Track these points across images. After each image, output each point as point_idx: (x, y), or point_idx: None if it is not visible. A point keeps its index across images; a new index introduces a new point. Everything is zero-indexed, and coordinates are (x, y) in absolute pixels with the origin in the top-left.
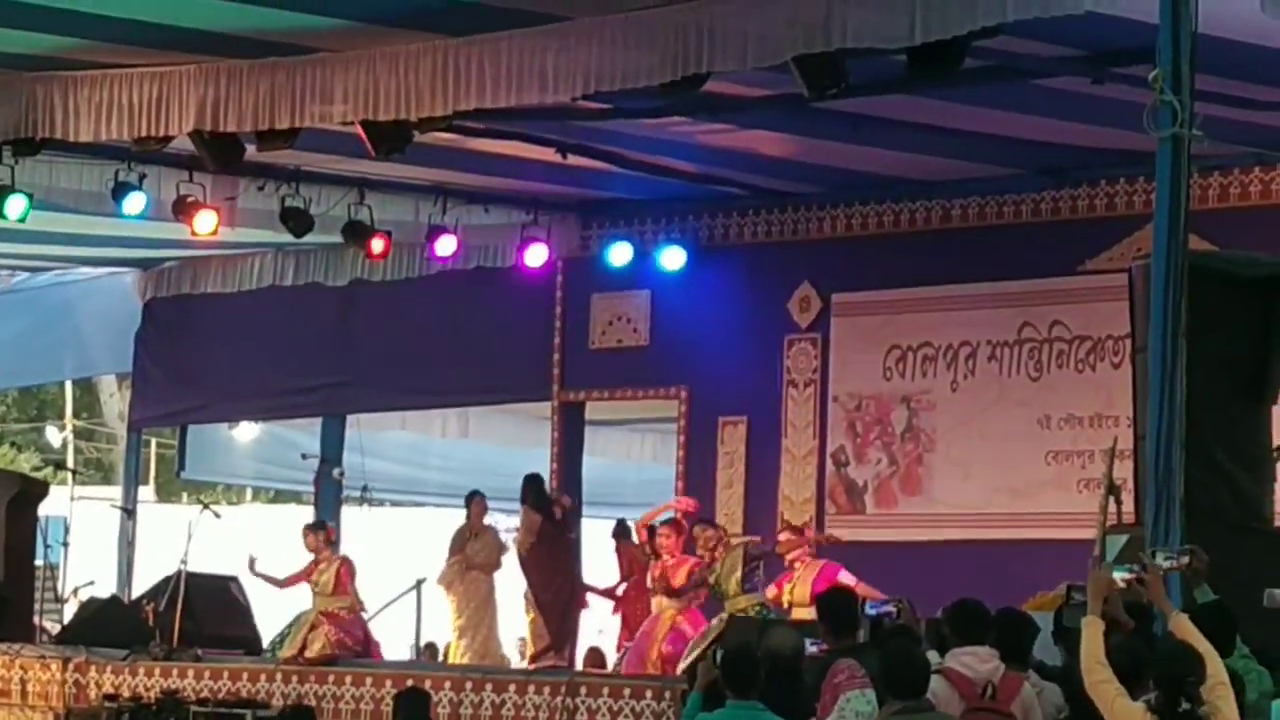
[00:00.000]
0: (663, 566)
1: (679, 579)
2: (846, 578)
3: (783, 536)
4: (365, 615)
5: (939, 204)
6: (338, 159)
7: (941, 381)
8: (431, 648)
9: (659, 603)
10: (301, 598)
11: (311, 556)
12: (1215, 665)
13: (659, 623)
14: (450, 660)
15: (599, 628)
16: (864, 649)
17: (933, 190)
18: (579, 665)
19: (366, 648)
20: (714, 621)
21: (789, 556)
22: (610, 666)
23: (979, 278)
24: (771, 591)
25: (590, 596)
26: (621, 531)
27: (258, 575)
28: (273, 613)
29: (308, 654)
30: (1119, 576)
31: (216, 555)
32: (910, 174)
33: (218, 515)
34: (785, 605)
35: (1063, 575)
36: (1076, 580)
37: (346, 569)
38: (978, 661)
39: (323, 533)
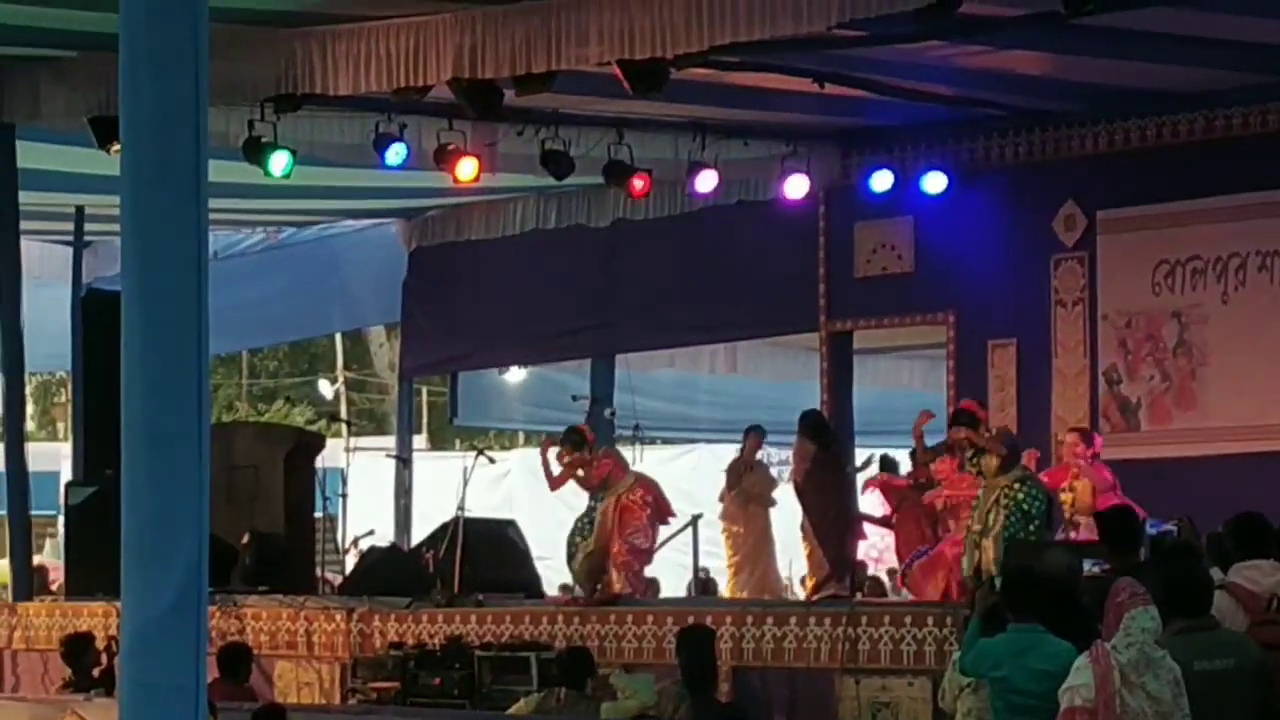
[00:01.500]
0: (948, 499)
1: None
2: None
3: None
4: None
5: (1201, 115)
6: (596, 100)
7: (1212, 294)
8: (710, 582)
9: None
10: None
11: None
12: None
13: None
14: (728, 593)
15: (875, 557)
16: (1146, 567)
17: (1195, 102)
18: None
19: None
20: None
21: (1066, 459)
22: (889, 589)
23: (1245, 188)
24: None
25: (867, 527)
26: (887, 466)
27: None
28: (551, 555)
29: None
30: None
31: (493, 500)
32: (1171, 86)
33: (492, 460)
34: (1070, 508)
35: None
36: None
37: (603, 466)
38: (1261, 575)
39: (584, 446)
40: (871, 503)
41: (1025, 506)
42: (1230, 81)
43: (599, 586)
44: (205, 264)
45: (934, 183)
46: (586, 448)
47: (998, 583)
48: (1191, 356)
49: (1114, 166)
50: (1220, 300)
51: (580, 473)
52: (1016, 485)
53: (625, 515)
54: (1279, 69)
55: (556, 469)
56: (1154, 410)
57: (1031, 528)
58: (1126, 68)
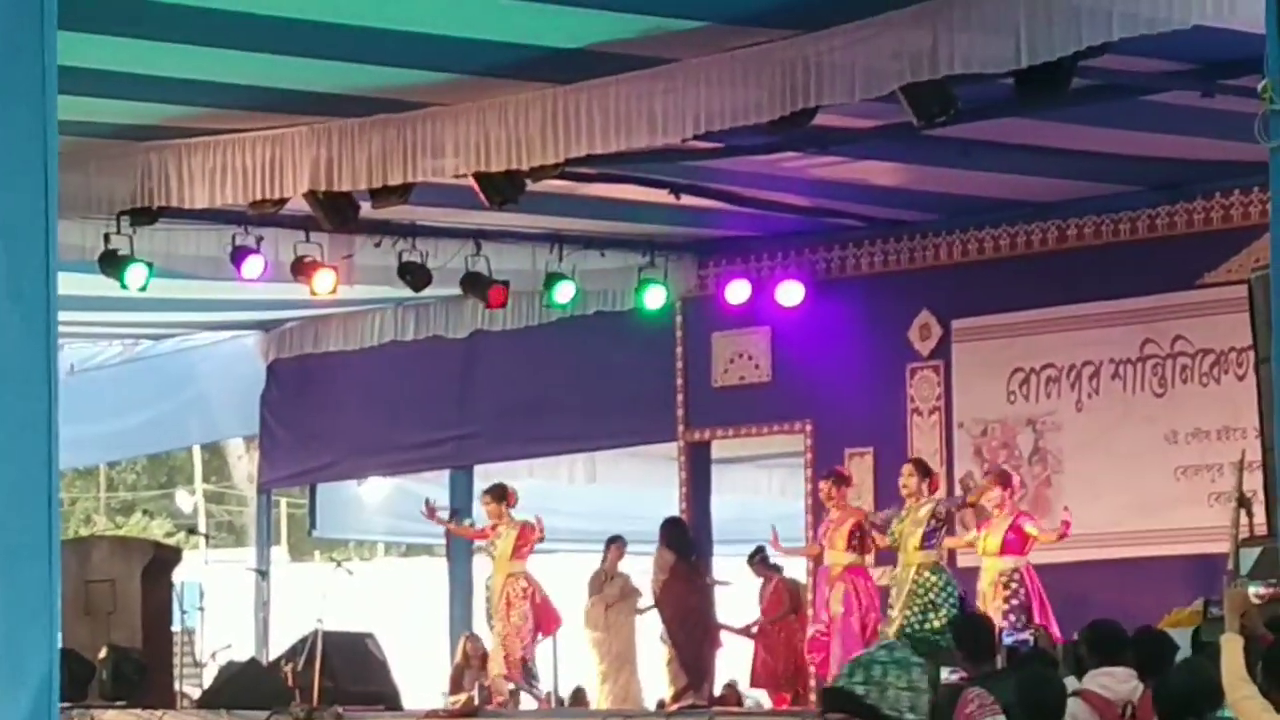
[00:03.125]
0: (828, 524)
1: (840, 540)
2: (1031, 528)
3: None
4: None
5: (1054, 224)
6: (452, 211)
7: (1066, 402)
8: (580, 693)
9: (829, 555)
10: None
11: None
12: None
13: (826, 577)
14: (595, 705)
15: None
16: (1002, 676)
17: (1048, 211)
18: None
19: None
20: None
21: (990, 506)
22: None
23: (1098, 296)
24: (973, 535)
25: (725, 635)
26: (761, 558)
27: (442, 523)
28: (410, 667)
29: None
30: (1254, 592)
31: (352, 612)
32: (1024, 196)
33: (350, 573)
34: (980, 552)
35: (1197, 591)
36: (1212, 595)
37: (525, 533)
38: (1116, 682)
39: (504, 501)
40: (732, 612)
41: (932, 595)
42: (1082, 191)
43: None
44: (55, 377)
45: (790, 293)
46: (506, 501)
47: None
48: (1046, 464)
49: (968, 276)
50: (1074, 408)
51: (499, 531)
52: (929, 572)
53: (511, 599)
54: (1130, 179)
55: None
56: None
57: (936, 622)
58: (980, 178)
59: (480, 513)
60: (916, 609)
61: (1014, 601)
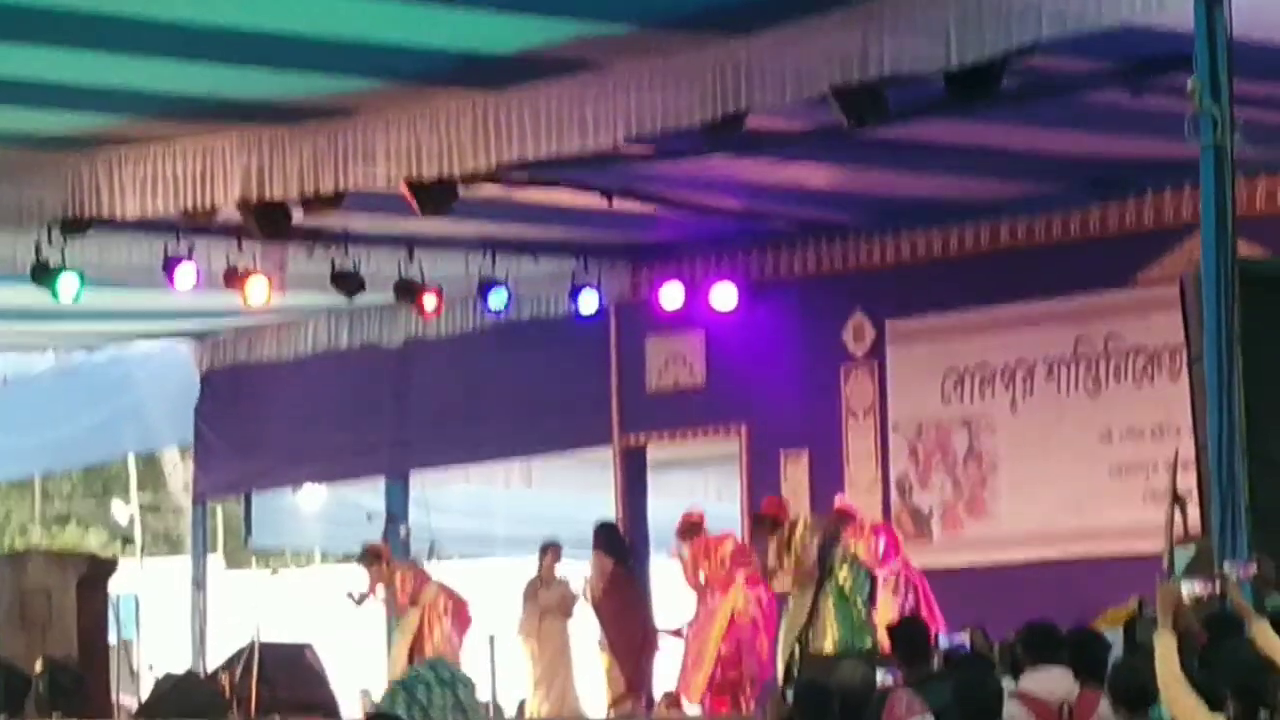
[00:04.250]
0: (707, 587)
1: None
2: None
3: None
4: None
5: (987, 225)
6: (385, 218)
7: (1000, 402)
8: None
9: (724, 607)
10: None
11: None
12: None
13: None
14: (529, 713)
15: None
16: (938, 678)
17: (980, 211)
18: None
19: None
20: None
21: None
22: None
23: (1032, 296)
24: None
25: (664, 639)
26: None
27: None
28: (349, 677)
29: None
30: (1188, 591)
31: (289, 620)
32: (957, 196)
33: (278, 576)
34: None
35: (1132, 590)
36: (1147, 594)
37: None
38: (1052, 682)
39: (380, 561)
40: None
41: (845, 588)
42: (1014, 191)
43: None
44: None
45: (724, 296)
46: (380, 563)
47: (790, 694)
48: (982, 465)
49: (901, 277)
50: (1009, 408)
51: (384, 591)
52: (838, 565)
53: (432, 629)
54: (1061, 179)
55: (360, 594)
56: (946, 519)
57: (858, 609)
58: (912, 179)
59: (415, 521)
60: (840, 603)
61: (907, 605)
